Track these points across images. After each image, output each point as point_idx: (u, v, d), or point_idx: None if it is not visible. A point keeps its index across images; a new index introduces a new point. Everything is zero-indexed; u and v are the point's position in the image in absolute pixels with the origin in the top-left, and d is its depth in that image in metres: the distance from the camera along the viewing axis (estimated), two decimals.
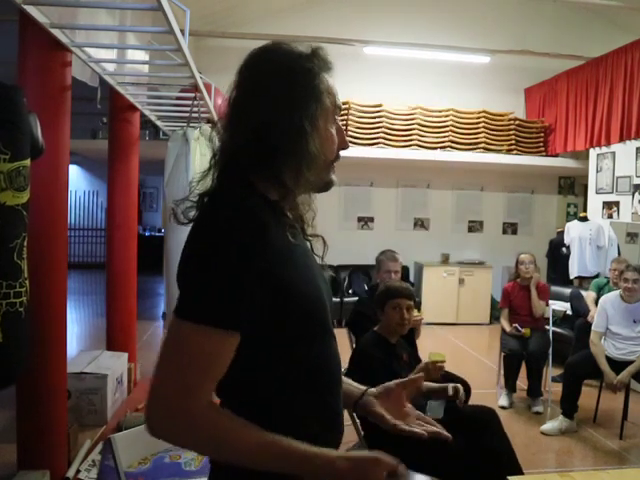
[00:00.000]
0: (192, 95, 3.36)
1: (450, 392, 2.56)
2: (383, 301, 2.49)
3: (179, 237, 3.13)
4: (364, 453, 0.90)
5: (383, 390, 1.10)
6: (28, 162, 2.00)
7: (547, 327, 4.36)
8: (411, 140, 6.88)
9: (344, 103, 6.67)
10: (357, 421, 2.50)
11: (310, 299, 0.93)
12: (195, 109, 3.38)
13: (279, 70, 0.92)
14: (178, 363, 0.82)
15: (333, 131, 0.99)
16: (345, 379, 1.12)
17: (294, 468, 0.85)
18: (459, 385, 2.56)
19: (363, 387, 1.13)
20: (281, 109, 0.90)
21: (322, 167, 0.96)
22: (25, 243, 2.00)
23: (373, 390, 1.11)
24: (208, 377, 0.83)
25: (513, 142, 7.11)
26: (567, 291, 5.41)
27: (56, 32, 2.39)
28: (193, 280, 0.84)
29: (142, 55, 3.69)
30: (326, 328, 0.98)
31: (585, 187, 6.91)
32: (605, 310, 3.79)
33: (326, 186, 1.02)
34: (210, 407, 0.83)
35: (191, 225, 0.90)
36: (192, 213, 0.93)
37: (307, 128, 0.91)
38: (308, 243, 1.05)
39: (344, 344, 3.52)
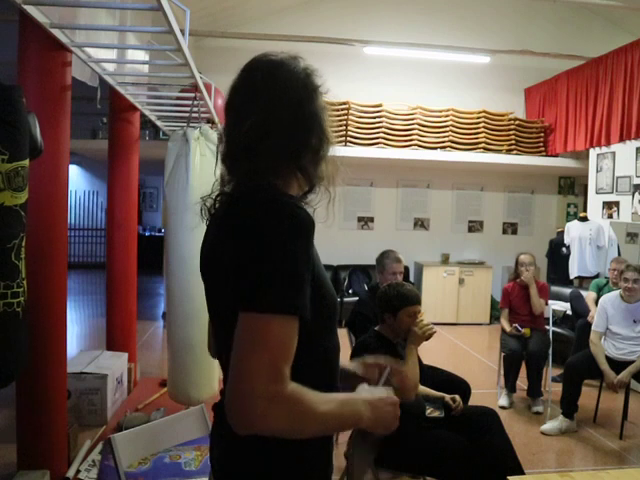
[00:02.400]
0: (192, 95, 3.35)
1: (447, 399, 2.57)
2: (397, 307, 2.43)
3: (179, 237, 3.13)
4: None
5: (360, 364, 1.23)
6: (27, 162, 1.99)
7: (547, 327, 4.36)
8: (411, 140, 6.88)
9: (344, 103, 6.68)
10: None
11: (332, 294, 1.05)
12: (195, 109, 3.37)
13: (296, 85, 1.00)
14: (266, 355, 0.86)
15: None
16: None
17: (356, 416, 0.97)
18: (457, 396, 2.57)
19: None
20: (306, 118, 1.00)
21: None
22: (23, 243, 1.99)
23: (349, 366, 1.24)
24: (289, 361, 0.89)
25: (513, 142, 7.11)
26: (567, 291, 5.42)
27: (56, 32, 2.39)
28: (271, 274, 0.88)
29: (142, 55, 3.69)
30: (336, 321, 1.10)
31: (585, 187, 6.91)
32: (605, 310, 3.79)
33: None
34: (294, 386, 0.89)
35: (227, 221, 0.98)
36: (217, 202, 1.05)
37: (328, 134, 1.03)
38: None
39: (344, 344, 3.51)
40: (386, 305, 2.48)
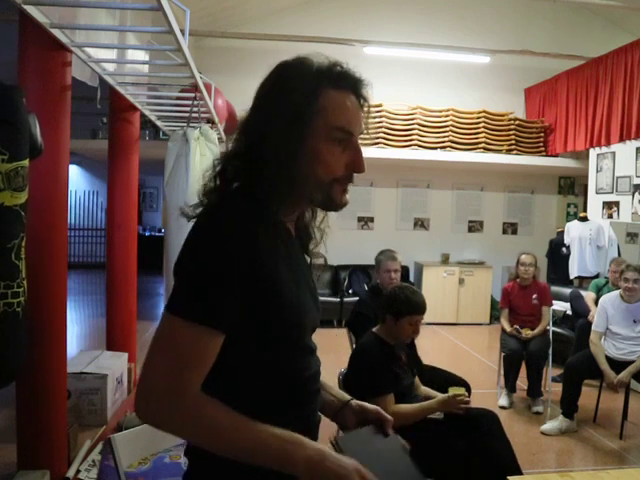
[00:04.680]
0: (192, 95, 3.35)
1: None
2: (402, 312, 2.39)
3: (179, 237, 3.13)
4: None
5: (360, 409, 1.12)
6: (26, 162, 1.99)
7: (547, 327, 4.36)
8: (411, 140, 6.88)
9: None
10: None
11: (294, 312, 0.96)
12: (195, 109, 3.37)
13: (282, 87, 0.95)
14: (168, 355, 0.87)
15: (330, 151, 0.95)
16: (329, 386, 1.16)
17: (275, 455, 0.86)
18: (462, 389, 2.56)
19: (346, 397, 1.14)
20: (273, 125, 0.92)
21: (313, 185, 0.96)
22: (23, 243, 1.99)
23: (356, 403, 1.13)
24: (195, 369, 0.87)
25: (513, 142, 7.11)
26: (567, 291, 5.42)
27: (56, 32, 2.38)
28: (186, 279, 0.90)
29: (142, 55, 3.68)
30: (302, 342, 1.01)
31: (585, 187, 6.91)
32: (605, 310, 3.79)
33: (328, 205, 1.01)
34: (199, 395, 0.87)
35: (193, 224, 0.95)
36: (198, 210, 0.98)
37: (291, 146, 0.92)
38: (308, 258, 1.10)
39: (344, 344, 3.52)
40: (391, 307, 2.43)
